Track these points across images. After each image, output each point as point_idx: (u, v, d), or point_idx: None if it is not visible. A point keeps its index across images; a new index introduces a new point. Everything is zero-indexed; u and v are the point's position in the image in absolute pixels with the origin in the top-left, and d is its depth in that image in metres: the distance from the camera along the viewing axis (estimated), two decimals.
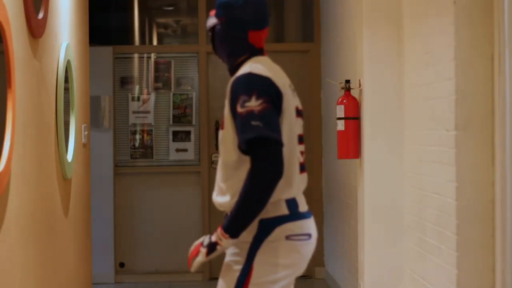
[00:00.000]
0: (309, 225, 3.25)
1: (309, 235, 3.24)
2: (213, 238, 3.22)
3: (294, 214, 3.22)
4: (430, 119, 4.50)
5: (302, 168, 3.27)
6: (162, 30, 9.68)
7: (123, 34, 9.03)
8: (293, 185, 3.22)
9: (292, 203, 3.22)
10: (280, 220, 3.20)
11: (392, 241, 5.25)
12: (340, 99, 5.53)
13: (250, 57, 3.35)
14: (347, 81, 5.56)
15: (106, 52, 8.48)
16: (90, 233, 6.42)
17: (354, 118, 5.44)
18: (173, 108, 8.59)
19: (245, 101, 3.12)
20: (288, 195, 3.21)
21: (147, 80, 8.63)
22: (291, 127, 3.21)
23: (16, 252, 3.76)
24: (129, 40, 8.93)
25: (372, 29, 5.33)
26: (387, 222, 5.26)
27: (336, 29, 7.54)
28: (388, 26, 5.30)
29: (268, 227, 3.20)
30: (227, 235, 3.17)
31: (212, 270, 8.53)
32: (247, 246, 3.21)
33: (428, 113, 4.56)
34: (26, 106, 4.00)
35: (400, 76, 5.24)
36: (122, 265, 8.51)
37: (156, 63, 8.65)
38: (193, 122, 8.60)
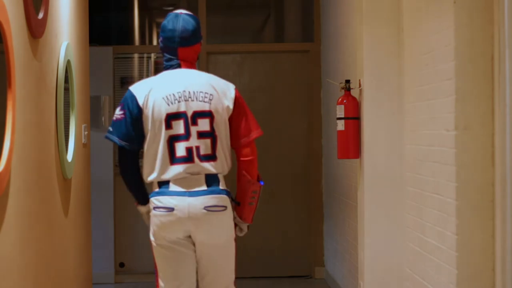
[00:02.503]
0: (176, 201, 4.18)
1: (171, 209, 4.18)
2: None
3: (162, 191, 4.22)
4: (430, 119, 4.50)
5: (180, 160, 4.19)
6: None
7: (123, 34, 9.03)
8: (159, 172, 4.22)
9: (163, 184, 4.22)
10: (153, 194, 4.27)
11: (392, 241, 5.25)
12: (340, 99, 5.53)
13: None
14: (347, 81, 5.56)
15: (106, 52, 8.48)
16: (90, 233, 6.42)
17: (354, 118, 5.44)
18: None
19: (117, 109, 4.30)
20: (161, 179, 4.22)
21: None
22: (157, 130, 4.20)
23: (16, 252, 3.76)
24: (129, 40, 8.93)
25: (372, 29, 5.32)
26: (387, 222, 5.26)
27: (336, 29, 7.54)
28: (388, 26, 5.30)
29: (150, 198, 4.30)
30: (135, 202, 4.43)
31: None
32: None
33: (428, 113, 4.56)
34: (26, 106, 4.00)
35: (400, 76, 5.24)
36: (122, 265, 8.51)
37: (156, 63, 8.65)
38: None
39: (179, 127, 4.20)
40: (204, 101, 4.23)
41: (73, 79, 5.44)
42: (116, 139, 4.30)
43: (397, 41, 5.26)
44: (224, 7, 9.00)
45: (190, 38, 4.33)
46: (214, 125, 4.24)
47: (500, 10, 3.86)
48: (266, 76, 8.52)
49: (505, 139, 3.82)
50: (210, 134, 4.22)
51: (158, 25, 9.52)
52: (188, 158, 4.20)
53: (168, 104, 4.20)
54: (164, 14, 9.51)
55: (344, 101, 5.48)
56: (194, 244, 4.28)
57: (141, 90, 4.25)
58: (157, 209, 4.22)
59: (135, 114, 4.24)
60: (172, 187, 4.20)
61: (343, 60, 7.08)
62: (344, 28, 7.06)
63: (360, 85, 5.41)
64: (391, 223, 5.25)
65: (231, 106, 4.29)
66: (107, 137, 4.34)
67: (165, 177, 4.21)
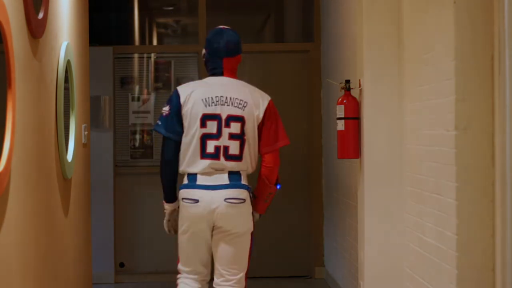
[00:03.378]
0: (201, 194, 4.77)
1: (196, 200, 4.76)
2: None
3: (190, 185, 4.80)
4: (430, 119, 4.50)
5: (208, 156, 4.78)
6: (162, 30, 9.69)
7: (123, 34, 9.03)
8: (190, 165, 4.80)
9: (192, 177, 4.81)
10: (182, 187, 4.84)
11: (392, 241, 5.25)
12: (340, 99, 5.52)
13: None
14: (347, 81, 5.55)
15: (106, 52, 8.47)
16: (90, 233, 6.42)
17: (354, 118, 5.44)
18: None
19: (164, 106, 4.93)
20: (190, 171, 4.81)
21: (147, 80, 8.63)
22: (192, 127, 4.79)
23: (16, 252, 3.76)
24: (129, 40, 8.93)
25: (372, 29, 5.32)
26: (387, 222, 5.26)
27: (336, 29, 7.55)
28: (388, 26, 5.29)
29: (180, 190, 4.86)
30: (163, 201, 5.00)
31: (212, 270, 8.52)
32: None
33: (428, 113, 4.56)
34: (26, 106, 4.01)
35: (400, 76, 5.24)
36: (122, 265, 8.50)
37: (156, 63, 8.65)
38: None
39: (212, 127, 4.81)
40: (238, 107, 4.85)
41: (73, 79, 5.44)
42: (163, 130, 4.86)
43: (397, 41, 5.26)
44: (224, 7, 9.01)
45: (234, 49, 4.97)
46: (245, 129, 4.84)
47: (500, 10, 3.86)
48: (266, 76, 8.52)
49: (505, 139, 3.82)
50: (239, 137, 4.83)
51: (158, 25, 9.52)
52: (215, 155, 4.79)
53: (206, 106, 4.82)
54: (164, 14, 9.53)
55: (344, 101, 5.48)
56: (214, 234, 4.87)
57: (185, 90, 4.88)
58: (185, 200, 4.81)
59: (177, 110, 4.84)
60: (199, 180, 4.79)
61: (343, 60, 7.08)
62: (344, 28, 7.06)
63: (360, 85, 5.41)
64: (391, 223, 5.25)
65: (261, 115, 4.88)
66: (155, 129, 4.94)
67: (193, 170, 4.80)
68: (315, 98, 8.51)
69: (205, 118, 4.82)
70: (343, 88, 5.55)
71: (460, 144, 4.02)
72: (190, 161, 4.81)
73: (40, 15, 4.37)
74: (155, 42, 9.30)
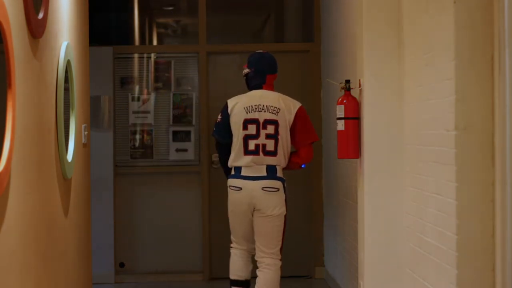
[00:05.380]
0: (244, 183, 6.00)
1: (240, 188, 6.01)
2: None
3: (235, 175, 6.05)
4: (430, 119, 4.50)
5: (250, 152, 6.01)
6: (162, 30, 9.68)
7: (123, 34, 9.03)
8: (237, 160, 6.04)
9: (237, 169, 6.06)
10: (230, 176, 6.11)
11: (392, 241, 5.25)
12: (340, 99, 5.52)
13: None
14: (347, 81, 5.55)
15: (106, 52, 8.48)
16: (90, 233, 6.42)
17: (354, 118, 5.44)
18: (173, 108, 8.59)
19: (219, 115, 6.22)
20: (236, 164, 6.06)
21: (147, 80, 8.63)
22: (237, 130, 6.04)
23: (16, 252, 3.76)
24: (129, 40, 8.93)
25: (372, 29, 5.32)
26: (387, 222, 5.26)
27: (336, 29, 7.55)
28: (388, 26, 5.29)
29: (228, 179, 6.13)
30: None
31: (212, 270, 8.52)
32: None
33: (428, 113, 4.56)
34: (26, 106, 4.00)
35: (400, 76, 5.24)
36: (122, 265, 8.51)
37: (156, 63, 8.65)
38: (193, 122, 8.60)
39: (252, 129, 6.02)
40: (272, 113, 6.04)
41: (73, 79, 5.44)
42: (217, 136, 6.17)
43: (397, 41, 5.26)
44: (224, 7, 9.01)
45: (274, 67, 6.20)
46: (279, 130, 6.02)
47: (500, 10, 3.86)
48: None
49: (505, 139, 3.82)
50: (274, 136, 6.03)
51: (158, 25, 9.52)
52: (255, 152, 6.01)
53: (247, 113, 6.05)
54: (164, 14, 9.53)
55: (344, 101, 5.48)
56: (254, 216, 5.98)
57: (232, 101, 6.14)
58: (231, 187, 6.06)
59: (226, 118, 6.11)
60: (243, 172, 6.03)
61: (343, 60, 7.08)
62: (344, 28, 7.06)
63: (360, 85, 5.41)
64: (391, 223, 5.25)
65: (292, 119, 6.05)
66: (212, 135, 6.28)
67: (239, 164, 6.04)
68: (315, 98, 8.51)
69: (247, 122, 6.03)
70: (343, 88, 5.55)
71: (460, 144, 4.02)
72: (236, 157, 6.02)
73: (40, 15, 4.37)
74: (155, 42, 9.30)
